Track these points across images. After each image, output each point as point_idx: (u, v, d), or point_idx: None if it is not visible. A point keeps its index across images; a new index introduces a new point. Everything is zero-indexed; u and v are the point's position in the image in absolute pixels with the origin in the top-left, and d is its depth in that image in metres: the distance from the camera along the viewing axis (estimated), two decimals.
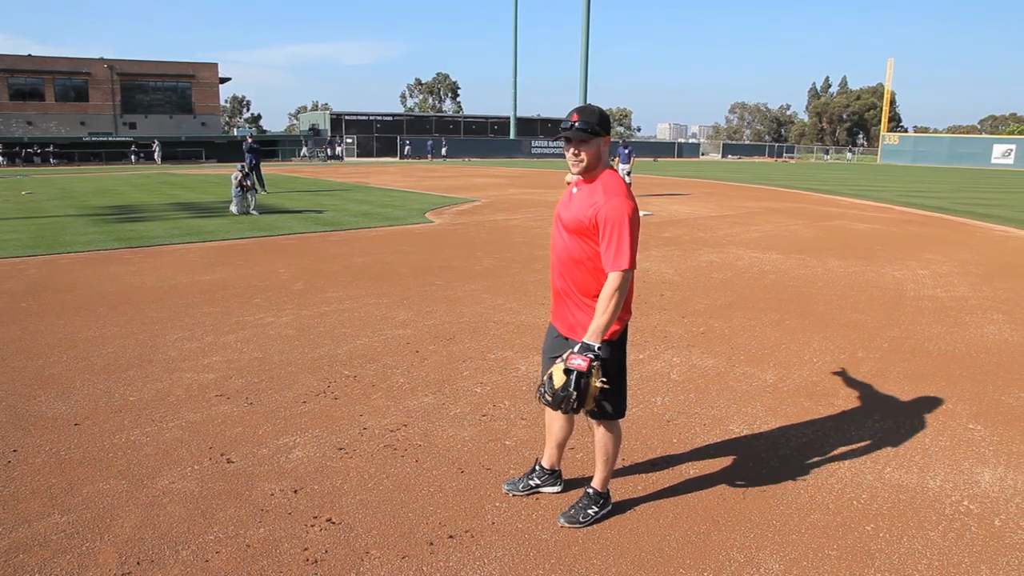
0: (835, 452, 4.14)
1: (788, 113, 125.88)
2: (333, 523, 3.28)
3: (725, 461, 4.01)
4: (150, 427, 4.33)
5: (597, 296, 3.04)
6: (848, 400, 4.97)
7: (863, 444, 4.25)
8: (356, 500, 3.49)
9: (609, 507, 3.39)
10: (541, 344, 3.57)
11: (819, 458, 4.06)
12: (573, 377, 2.87)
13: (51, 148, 48.22)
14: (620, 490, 3.61)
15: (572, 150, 3.01)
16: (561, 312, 3.23)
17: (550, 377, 2.96)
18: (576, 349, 2.92)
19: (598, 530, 3.27)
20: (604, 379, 2.96)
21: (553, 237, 3.23)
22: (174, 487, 3.61)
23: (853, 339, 6.42)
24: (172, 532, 3.20)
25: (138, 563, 2.97)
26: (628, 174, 21.02)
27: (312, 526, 3.25)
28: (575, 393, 2.87)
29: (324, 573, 2.92)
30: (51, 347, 5.90)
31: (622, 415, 3.24)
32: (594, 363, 2.88)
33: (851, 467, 3.95)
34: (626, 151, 21.33)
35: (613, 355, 3.09)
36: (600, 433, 3.25)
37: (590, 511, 3.32)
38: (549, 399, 2.95)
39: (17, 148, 47.16)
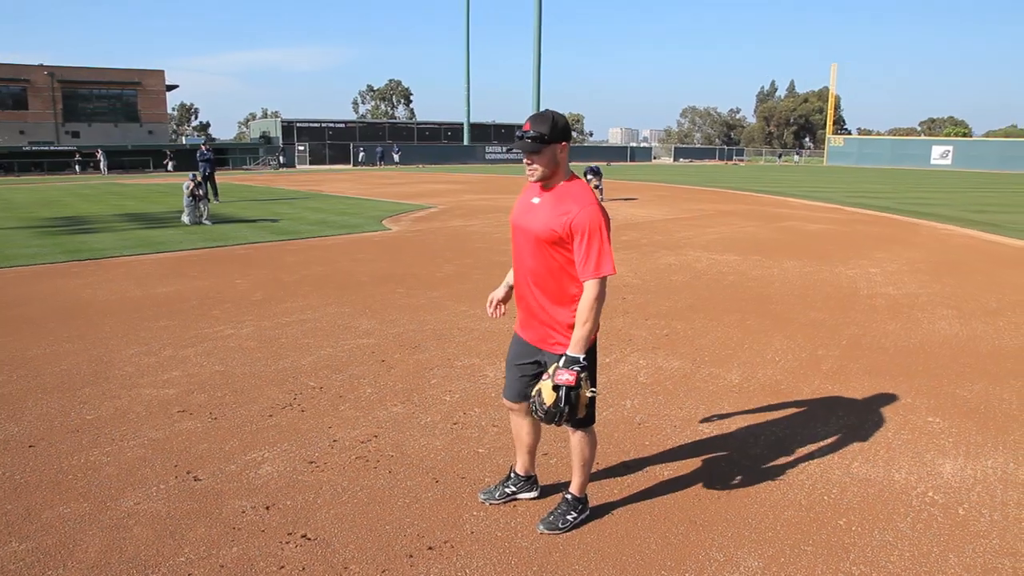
0: (803, 449, 4.21)
1: (737, 117, 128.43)
2: (309, 539, 3.21)
3: (697, 462, 4.04)
4: (110, 446, 4.19)
5: (568, 304, 3.03)
6: (812, 398, 5.07)
7: (829, 440, 4.34)
8: (331, 514, 3.42)
9: (587, 512, 3.39)
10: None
11: (788, 456, 4.13)
12: (563, 392, 2.88)
13: None
14: (597, 494, 3.62)
15: (526, 160, 2.97)
16: (531, 322, 3.20)
17: (539, 394, 2.95)
18: (561, 364, 2.92)
19: (578, 535, 3.26)
20: (593, 388, 2.98)
21: (517, 248, 3.17)
22: (140, 508, 3.49)
23: (813, 337, 6.56)
24: (140, 555, 3.09)
25: None
26: (596, 188, 21.48)
27: (287, 543, 3.18)
28: (567, 408, 2.88)
29: None
30: None
31: (593, 420, 3.25)
32: (581, 375, 2.89)
33: (819, 463, 4.03)
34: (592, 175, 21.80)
35: (591, 363, 3.10)
36: (576, 439, 3.25)
37: (569, 517, 3.32)
38: (542, 416, 2.95)
39: None
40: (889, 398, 5.05)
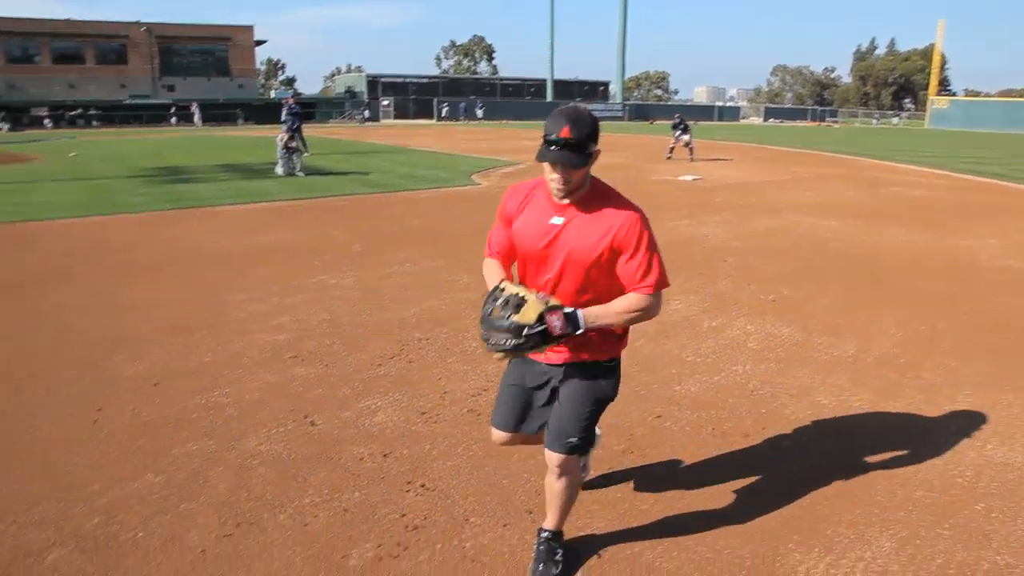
0: (930, 427, 3.99)
1: (832, 76, 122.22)
2: (427, 489, 3.24)
3: (817, 433, 3.89)
4: (229, 388, 4.34)
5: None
6: (935, 374, 4.79)
7: (958, 420, 4.09)
8: (447, 466, 3.44)
9: (565, 548, 2.81)
10: None
11: (914, 434, 3.91)
12: (538, 331, 2.30)
13: (92, 111, 48.81)
14: (719, 462, 3.53)
15: (560, 174, 2.33)
16: (570, 340, 2.44)
17: (519, 308, 2.32)
18: (566, 312, 2.35)
19: (697, 503, 3.18)
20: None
21: (539, 266, 2.52)
22: (262, 449, 3.60)
23: (929, 310, 6.19)
24: (267, 495, 3.19)
25: (238, 525, 2.97)
26: (687, 146, 20.94)
27: (407, 491, 3.22)
28: (522, 344, 2.31)
29: (427, 539, 2.88)
30: (117, 308, 5.95)
31: (587, 450, 2.81)
32: (562, 335, 2.34)
33: (949, 443, 3.80)
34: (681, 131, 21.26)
35: (616, 379, 2.64)
36: (563, 484, 2.62)
37: (557, 557, 2.74)
38: (494, 330, 2.34)
39: (61, 111, 47.90)
40: (1020, 379, 4.72)
